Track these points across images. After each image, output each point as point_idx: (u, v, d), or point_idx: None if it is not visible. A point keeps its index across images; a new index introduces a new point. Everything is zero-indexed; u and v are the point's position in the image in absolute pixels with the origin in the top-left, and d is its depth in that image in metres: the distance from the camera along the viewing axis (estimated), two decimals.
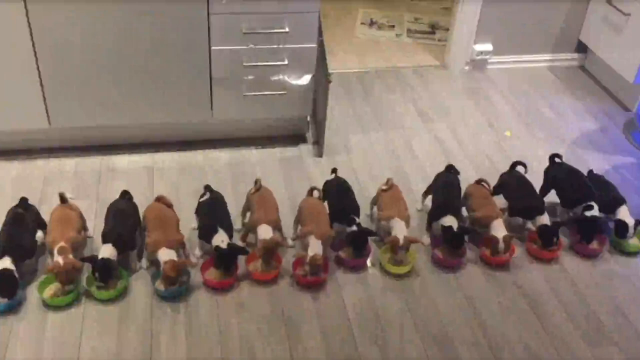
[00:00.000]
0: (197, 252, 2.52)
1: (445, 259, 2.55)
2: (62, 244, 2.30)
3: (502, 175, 2.84)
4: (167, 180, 2.92)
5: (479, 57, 3.98)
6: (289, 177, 2.99)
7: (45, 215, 2.49)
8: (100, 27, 2.69)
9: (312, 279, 2.40)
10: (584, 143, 3.40)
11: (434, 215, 2.63)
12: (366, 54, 4.16)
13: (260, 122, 3.19)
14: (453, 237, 2.52)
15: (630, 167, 3.23)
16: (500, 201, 2.74)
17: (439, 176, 2.78)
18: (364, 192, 2.88)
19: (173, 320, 2.26)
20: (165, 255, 2.31)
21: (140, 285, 2.38)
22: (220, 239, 2.38)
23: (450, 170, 2.80)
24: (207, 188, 2.63)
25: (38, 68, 2.74)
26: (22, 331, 2.19)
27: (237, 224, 2.62)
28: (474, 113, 3.60)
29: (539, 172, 2.89)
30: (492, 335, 2.28)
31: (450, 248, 2.54)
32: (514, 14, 3.87)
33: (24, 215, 2.42)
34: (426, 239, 2.65)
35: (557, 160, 2.87)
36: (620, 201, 2.71)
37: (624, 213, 2.67)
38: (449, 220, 2.55)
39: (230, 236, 2.44)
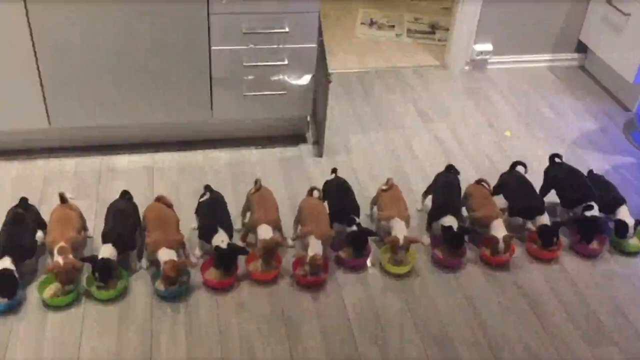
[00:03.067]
0: (197, 252, 2.52)
1: (445, 259, 2.55)
2: (62, 244, 2.30)
3: (502, 175, 2.84)
4: (167, 180, 2.92)
5: (479, 57, 3.98)
6: (289, 177, 2.99)
7: (45, 215, 2.49)
8: (100, 27, 2.69)
9: (312, 279, 2.40)
10: (584, 143, 3.40)
11: (434, 215, 2.63)
12: (366, 54, 4.16)
13: (260, 122, 3.19)
14: (453, 237, 2.52)
15: (630, 167, 3.23)
16: (500, 201, 2.74)
17: (439, 176, 2.78)
18: (364, 192, 2.88)
19: (173, 320, 2.26)
20: (165, 255, 2.31)
21: (140, 285, 2.38)
22: (220, 239, 2.38)
23: (450, 170, 2.80)
24: (207, 188, 2.63)
25: (38, 68, 2.74)
26: (22, 331, 2.19)
27: (237, 224, 2.62)
28: (474, 113, 3.60)
29: (539, 172, 2.89)
30: (492, 335, 2.28)
31: (450, 248, 2.54)
32: (514, 14, 3.87)
33: (24, 215, 2.42)
34: (426, 239, 2.65)
35: (557, 160, 2.87)
36: (620, 201, 2.71)
37: (624, 213, 2.67)
38: (449, 220, 2.55)
39: (230, 236, 2.44)
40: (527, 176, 2.80)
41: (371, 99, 3.66)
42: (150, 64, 2.82)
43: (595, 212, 2.64)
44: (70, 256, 2.28)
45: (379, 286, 2.46)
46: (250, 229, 2.53)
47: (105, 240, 2.35)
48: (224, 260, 2.37)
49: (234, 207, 2.67)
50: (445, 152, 3.25)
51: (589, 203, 2.66)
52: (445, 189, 2.71)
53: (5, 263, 2.24)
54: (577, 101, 3.77)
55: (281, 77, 2.96)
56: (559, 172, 2.83)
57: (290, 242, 2.60)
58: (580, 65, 4.14)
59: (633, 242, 2.69)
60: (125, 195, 2.57)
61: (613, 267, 2.62)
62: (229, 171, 3.00)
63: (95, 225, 2.60)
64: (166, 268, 2.28)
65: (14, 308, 2.26)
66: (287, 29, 2.82)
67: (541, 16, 3.92)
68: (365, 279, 2.49)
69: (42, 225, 2.49)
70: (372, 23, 4.55)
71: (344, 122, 3.44)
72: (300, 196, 2.68)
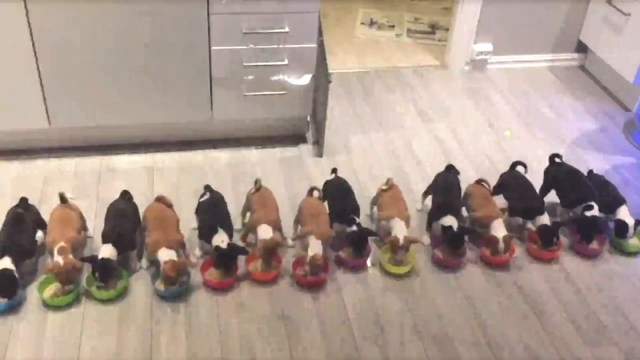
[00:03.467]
0: (197, 252, 2.52)
1: (445, 259, 2.55)
2: (62, 244, 2.30)
3: (502, 175, 2.84)
4: (167, 180, 2.92)
5: (479, 57, 3.98)
6: (289, 177, 2.99)
7: (45, 215, 2.49)
8: (100, 27, 2.69)
9: (312, 279, 2.40)
10: (584, 143, 3.40)
11: (434, 215, 2.63)
12: (366, 54, 4.16)
13: (260, 122, 3.19)
14: (453, 237, 2.52)
15: (630, 167, 3.23)
16: (500, 201, 2.74)
17: (439, 176, 2.78)
18: (364, 192, 2.88)
19: (173, 320, 2.26)
20: (165, 255, 2.31)
21: (140, 285, 2.38)
22: (220, 239, 2.38)
23: (450, 170, 2.80)
24: (207, 188, 2.63)
25: (38, 68, 2.74)
26: (22, 331, 2.19)
27: (237, 224, 2.62)
28: (474, 113, 3.60)
29: (539, 172, 2.89)
30: (492, 335, 2.28)
31: (450, 248, 2.54)
32: (514, 14, 3.87)
33: (24, 215, 2.42)
34: (426, 239, 2.65)
35: (557, 160, 2.87)
36: (620, 201, 2.71)
37: (624, 213, 2.67)
38: (449, 220, 2.55)
39: (230, 236, 2.44)
40: (527, 176, 2.81)
41: (371, 99, 3.66)
42: (150, 64, 2.82)
43: (595, 212, 2.64)
44: (70, 256, 2.28)
45: (379, 286, 2.46)
46: (250, 229, 2.53)
47: (105, 240, 2.35)
48: (224, 260, 2.37)
49: (234, 207, 2.67)
50: (445, 152, 3.25)
51: (589, 203, 2.66)
52: (445, 189, 2.71)
53: (5, 263, 2.24)
54: (577, 101, 3.77)
55: (281, 77, 2.96)
56: (559, 172, 2.82)
57: (290, 242, 2.60)
58: (580, 65, 4.14)
59: (633, 242, 2.69)
60: (125, 195, 2.57)
61: (613, 267, 2.62)
62: (229, 171, 3.00)
63: (95, 225, 2.60)
64: (166, 268, 2.28)
65: (14, 308, 2.26)
66: (287, 29, 2.82)
67: (541, 16, 3.92)
68: (365, 279, 2.49)
69: (42, 225, 2.49)
70: (372, 23, 4.55)
71: (344, 122, 3.44)
72: (300, 196, 2.68)
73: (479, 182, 2.76)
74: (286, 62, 2.91)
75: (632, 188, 3.05)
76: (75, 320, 2.24)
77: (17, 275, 2.25)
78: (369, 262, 2.55)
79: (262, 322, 2.28)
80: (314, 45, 2.91)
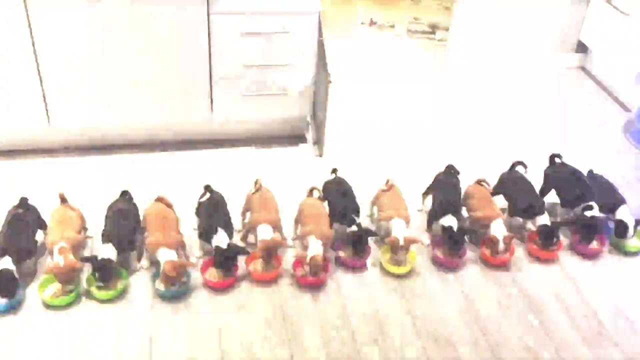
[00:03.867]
0: (197, 252, 2.52)
1: (445, 259, 2.55)
2: (62, 244, 2.30)
3: (502, 175, 2.84)
4: (167, 180, 2.92)
5: (479, 57, 3.98)
6: (289, 177, 2.99)
7: (45, 216, 2.49)
8: (100, 27, 2.69)
9: (312, 279, 2.40)
10: (584, 143, 3.40)
11: (434, 215, 2.63)
12: (366, 54, 4.16)
13: (260, 122, 3.19)
14: (453, 237, 2.52)
15: (630, 167, 3.23)
16: (500, 201, 2.74)
17: (439, 176, 2.78)
18: (364, 192, 2.87)
19: (173, 320, 2.26)
20: (165, 255, 2.31)
21: (140, 285, 2.38)
22: (220, 239, 2.38)
23: (450, 170, 2.80)
24: (207, 188, 2.63)
25: (38, 68, 2.74)
26: (22, 331, 2.19)
27: (237, 224, 2.62)
28: (474, 113, 3.60)
29: (539, 172, 2.89)
30: (492, 335, 2.28)
31: (450, 248, 2.54)
32: (514, 14, 3.87)
33: (24, 215, 2.42)
34: (426, 239, 2.65)
35: (557, 160, 2.87)
36: (620, 201, 2.71)
37: (624, 213, 2.67)
38: (449, 220, 2.55)
39: (230, 236, 2.44)
40: (527, 176, 2.80)
41: (371, 99, 3.66)
42: (151, 64, 2.82)
43: (595, 212, 2.64)
44: (70, 256, 2.28)
45: (379, 286, 2.46)
46: (250, 229, 2.53)
47: (105, 240, 2.35)
48: (224, 260, 2.37)
49: (234, 207, 2.66)
50: (446, 151, 3.24)
51: (589, 203, 2.66)
52: (445, 189, 2.71)
53: (5, 263, 2.24)
54: (577, 101, 3.77)
55: (281, 77, 2.96)
56: (559, 172, 2.82)
57: (290, 242, 2.60)
58: (580, 65, 4.14)
59: (633, 242, 2.69)
60: (125, 195, 2.57)
61: (613, 267, 2.62)
62: (229, 171, 3.00)
63: (95, 225, 2.60)
64: (166, 268, 2.28)
65: (14, 308, 2.26)
66: (287, 29, 2.83)
67: (541, 16, 3.92)
68: (365, 279, 2.49)
69: (42, 225, 2.49)
70: (372, 23, 4.56)
71: (344, 122, 3.43)
72: (300, 196, 2.68)
73: (479, 182, 2.76)
74: (286, 62, 2.91)
75: (632, 188, 3.05)
76: (75, 320, 2.24)
77: (17, 275, 2.25)
78: (369, 262, 2.55)
79: (262, 322, 2.28)
80: (314, 45, 2.91)
